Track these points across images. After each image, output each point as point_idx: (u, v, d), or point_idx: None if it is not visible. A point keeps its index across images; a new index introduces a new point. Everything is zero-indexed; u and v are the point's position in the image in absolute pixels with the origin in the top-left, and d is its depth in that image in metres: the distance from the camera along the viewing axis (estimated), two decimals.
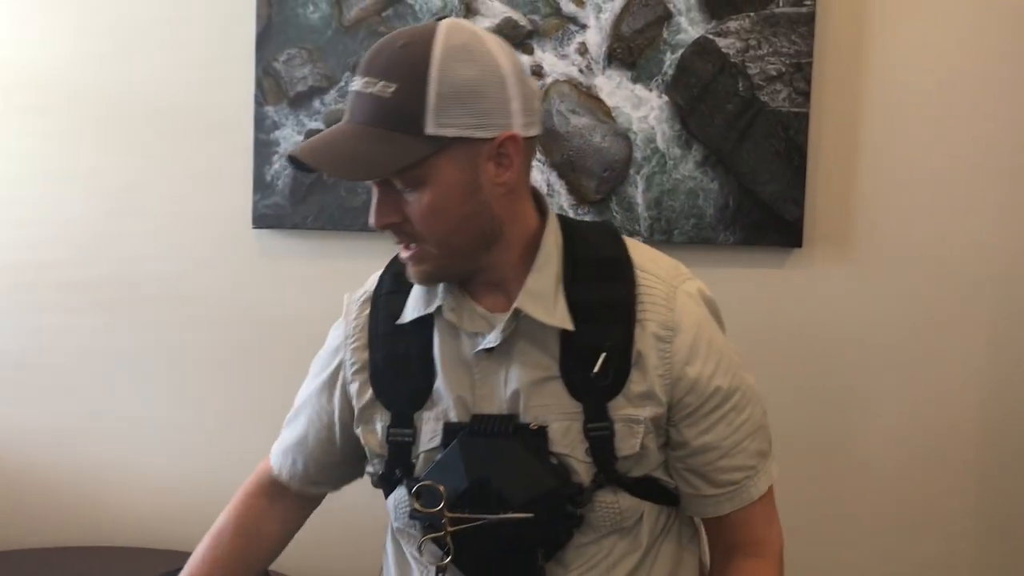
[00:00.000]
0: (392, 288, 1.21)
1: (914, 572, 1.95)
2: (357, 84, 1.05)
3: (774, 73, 1.84)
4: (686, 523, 1.25)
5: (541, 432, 1.12)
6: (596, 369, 1.11)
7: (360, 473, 1.31)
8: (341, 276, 1.94)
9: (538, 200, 1.18)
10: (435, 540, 1.14)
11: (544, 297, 1.12)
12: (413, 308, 1.17)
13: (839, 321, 1.90)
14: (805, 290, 1.90)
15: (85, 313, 1.99)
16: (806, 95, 1.84)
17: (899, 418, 1.90)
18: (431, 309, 1.15)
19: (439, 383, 1.15)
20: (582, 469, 1.12)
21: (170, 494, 2.01)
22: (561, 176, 1.88)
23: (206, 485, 2.00)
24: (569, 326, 1.11)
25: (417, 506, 1.11)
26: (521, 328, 1.12)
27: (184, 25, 1.93)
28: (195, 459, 2.01)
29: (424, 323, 1.16)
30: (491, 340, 1.13)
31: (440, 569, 1.14)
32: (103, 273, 1.98)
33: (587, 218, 1.86)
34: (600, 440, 1.12)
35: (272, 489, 1.34)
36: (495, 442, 1.12)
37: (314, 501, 1.37)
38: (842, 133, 1.88)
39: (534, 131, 1.10)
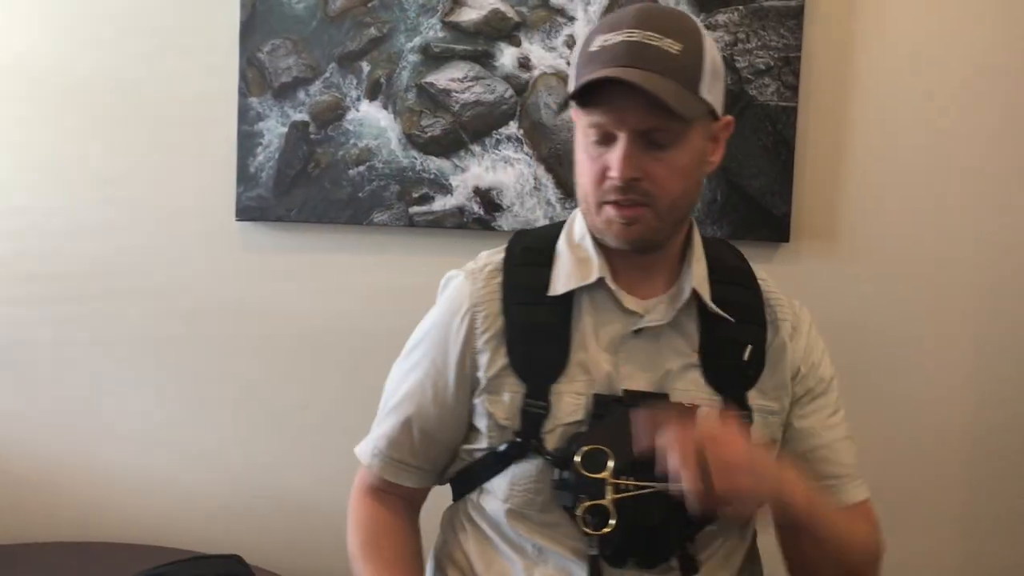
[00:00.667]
0: (525, 260, 1.21)
1: (901, 568, 1.94)
2: (635, 35, 1.07)
3: (763, 67, 1.83)
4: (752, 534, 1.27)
5: (694, 411, 1.12)
6: (746, 358, 1.17)
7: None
8: (325, 269, 1.94)
9: None
10: (586, 511, 1.10)
11: (705, 285, 1.19)
12: (566, 280, 1.18)
13: (826, 316, 1.85)
14: (792, 285, 1.84)
15: (65, 305, 1.96)
16: (794, 89, 1.83)
17: (886, 411, 1.90)
18: (590, 280, 1.17)
19: (578, 357, 1.16)
20: None
21: (149, 488, 1.99)
22: (548, 170, 1.86)
23: (186, 479, 1.98)
24: (728, 317, 1.17)
25: (582, 470, 1.09)
26: (676, 313, 1.17)
27: (167, 14, 1.91)
28: (176, 453, 1.98)
29: (565, 297, 1.18)
30: (656, 319, 1.16)
31: (593, 542, 1.11)
32: (84, 265, 1.95)
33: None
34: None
35: (380, 490, 1.30)
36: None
37: (417, 500, 1.31)
38: (830, 128, 1.87)
39: None
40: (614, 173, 1.09)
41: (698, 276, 1.19)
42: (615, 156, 1.10)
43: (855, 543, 1.19)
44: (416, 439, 1.24)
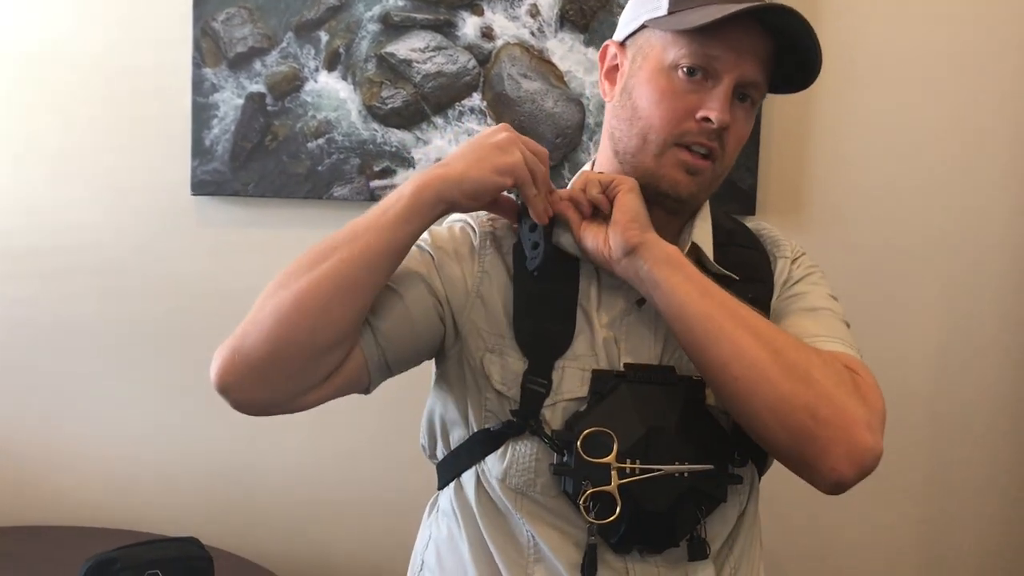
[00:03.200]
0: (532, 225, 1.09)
1: (861, 541, 1.96)
2: None
3: None
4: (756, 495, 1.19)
5: (701, 385, 1.07)
6: None
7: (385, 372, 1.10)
8: (283, 245, 1.88)
9: None
10: (588, 497, 1.02)
11: (708, 248, 1.13)
12: (568, 246, 1.09)
13: None
14: None
15: (17, 283, 1.91)
16: None
17: None
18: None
19: (583, 332, 1.09)
20: (728, 427, 1.08)
21: (105, 468, 1.94)
22: None
23: (143, 460, 1.94)
24: (734, 275, 1.11)
25: (584, 455, 1.02)
26: None
27: None
28: (132, 432, 1.94)
29: (570, 269, 1.10)
30: None
31: (592, 531, 1.04)
32: (35, 242, 1.90)
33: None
34: None
35: None
36: (664, 390, 1.06)
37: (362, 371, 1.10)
38: (796, 100, 1.85)
39: None
40: (715, 115, 1.03)
41: (702, 233, 1.13)
42: (716, 98, 1.03)
43: (814, 349, 1.02)
44: (404, 318, 1.08)
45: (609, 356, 1.08)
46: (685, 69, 1.05)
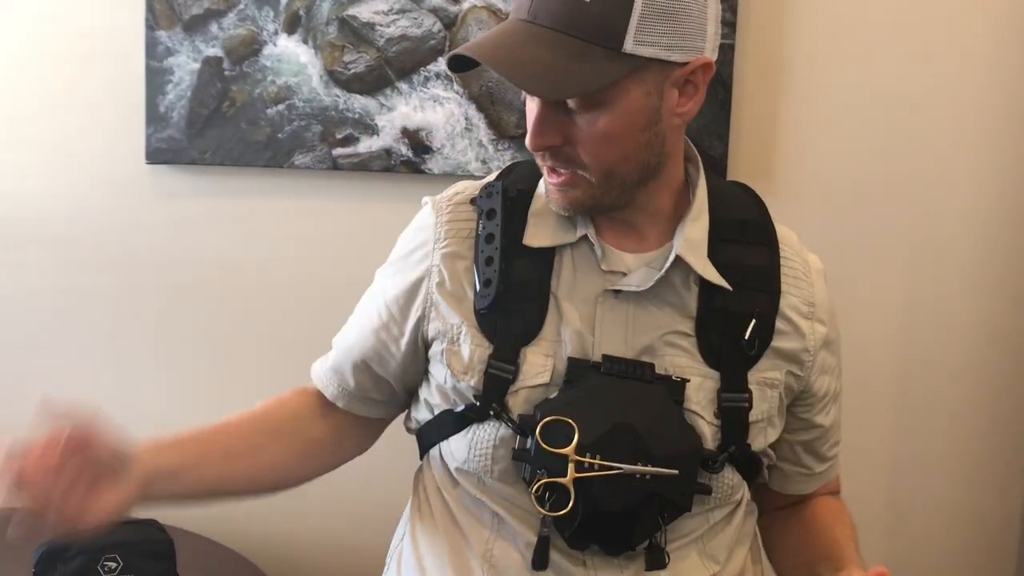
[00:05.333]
0: (517, 201, 1.08)
1: None
2: None
3: None
4: (752, 508, 1.18)
5: (681, 385, 1.03)
6: (747, 335, 1.05)
7: (401, 409, 1.20)
8: (243, 215, 1.85)
9: (685, 144, 1.09)
10: (543, 488, 1.00)
11: (699, 250, 1.05)
12: (547, 233, 1.06)
13: None
14: None
15: None
16: (732, 26, 1.78)
17: None
18: (572, 239, 1.06)
19: (553, 318, 1.05)
20: (709, 434, 1.04)
21: None
22: (480, 109, 1.78)
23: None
24: (725, 284, 1.05)
25: (543, 444, 0.99)
26: (664, 277, 1.05)
27: None
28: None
29: (547, 251, 1.06)
30: (635, 283, 1.04)
31: (545, 523, 1.02)
32: None
33: (507, 153, 1.77)
34: (734, 411, 1.05)
35: (315, 399, 1.20)
36: (638, 387, 1.02)
37: (365, 428, 1.22)
38: (767, 67, 1.83)
39: (715, 56, 1.02)
40: (527, 142, 0.99)
41: (692, 239, 1.05)
42: (529, 123, 0.99)
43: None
44: (366, 371, 1.15)
45: (583, 344, 1.04)
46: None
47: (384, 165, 1.79)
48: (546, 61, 0.93)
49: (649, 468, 0.99)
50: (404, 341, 1.11)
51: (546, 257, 1.06)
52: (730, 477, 1.07)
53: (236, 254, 1.85)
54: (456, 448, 1.08)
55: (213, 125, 1.78)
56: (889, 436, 1.93)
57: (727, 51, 1.78)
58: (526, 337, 1.05)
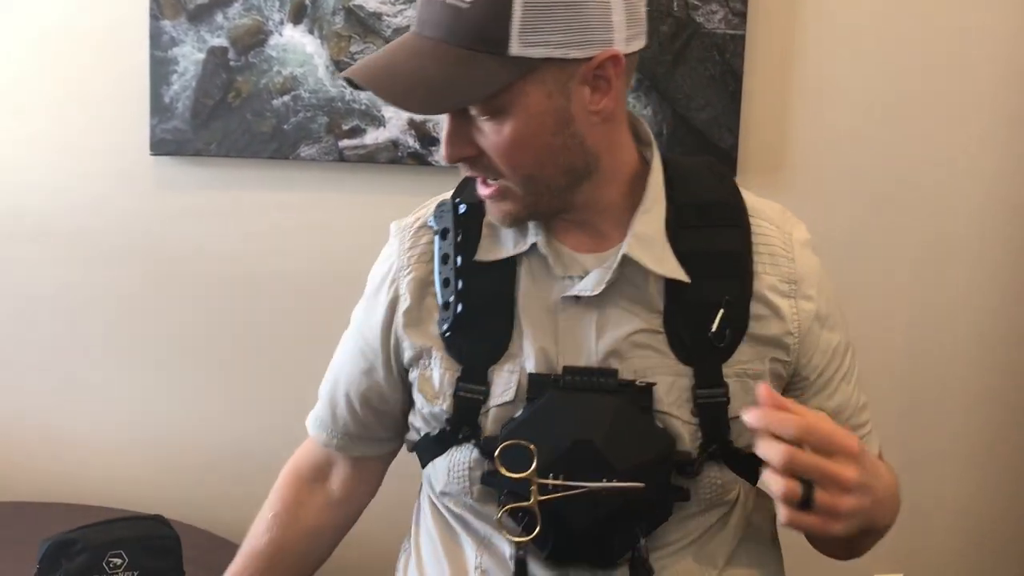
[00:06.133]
0: (470, 216, 1.04)
1: None
2: None
3: None
4: (765, 505, 1.12)
5: (647, 390, 0.99)
6: (714, 328, 0.99)
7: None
8: (247, 208, 1.83)
9: (637, 129, 1.05)
10: (515, 511, 0.98)
11: (653, 243, 0.99)
12: (500, 244, 1.03)
13: None
14: None
15: None
16: (743, 16, 1.76)
17: None
18: (523, 248, 1.02)
19: (518, 332, 1.02)
20: (687, 433, 1.00)
21: (61, 441, 1.88)
22: None
23: (102, 432, 1.88)
24: (683, 277, 0.99)
25: (502, 470, 0.96)
26: (622, 275, 1.00)
27: None
28: (89, 404, 1.87)
29: (506, 264, 1.03)
30: (587, 287, 1.00)
31: (519, 546, 0.99)
32: None
33: None
34: (711, 407, 1.00)
35: (312, 473, 1.21)
36: (597, 398, 0.98)
37: (373, 468, 1.21)
38: (779, 58, 1.81)
39: (638, 44, 0.95)
40: (441, 153, 0.96)
41: (643, 233, 0.99)
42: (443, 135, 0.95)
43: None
44: (356, 409, 1.14)
45: (547, 357, 1.01)
46: None
47: (391, 157, 1.77)
48: (426, 73, 0.89)
49: (613, 484, 0.95)
50: (394, 377, 1.10)
51: (506, 270, 1.03)
52: (716, 476, 1.02)
53: (241, 247, 1.83)
54: (438, 471, 1.07)
55: (218, 116, 1.76)
56: (897, 433, 1.91)
57: (738, 42, 1.76)
58: (493, 355, 1.02)
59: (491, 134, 0.92)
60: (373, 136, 1.76)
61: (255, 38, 1.74)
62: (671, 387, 1.00)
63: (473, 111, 0.91)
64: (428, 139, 1.77)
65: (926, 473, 1.93)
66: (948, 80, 1.83)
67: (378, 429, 1.15)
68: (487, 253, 1.03)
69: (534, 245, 1.01)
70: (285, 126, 1.76)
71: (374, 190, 1.79)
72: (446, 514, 1.10)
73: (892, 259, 1.88)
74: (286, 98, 1.76)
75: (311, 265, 1.83)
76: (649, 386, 0.99)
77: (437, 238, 1.05)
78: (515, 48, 0.88)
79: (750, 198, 1.05)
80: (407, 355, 1.07)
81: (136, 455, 1.88)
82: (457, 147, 0.94)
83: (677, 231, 1.00)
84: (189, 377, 1.88)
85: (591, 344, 1.01)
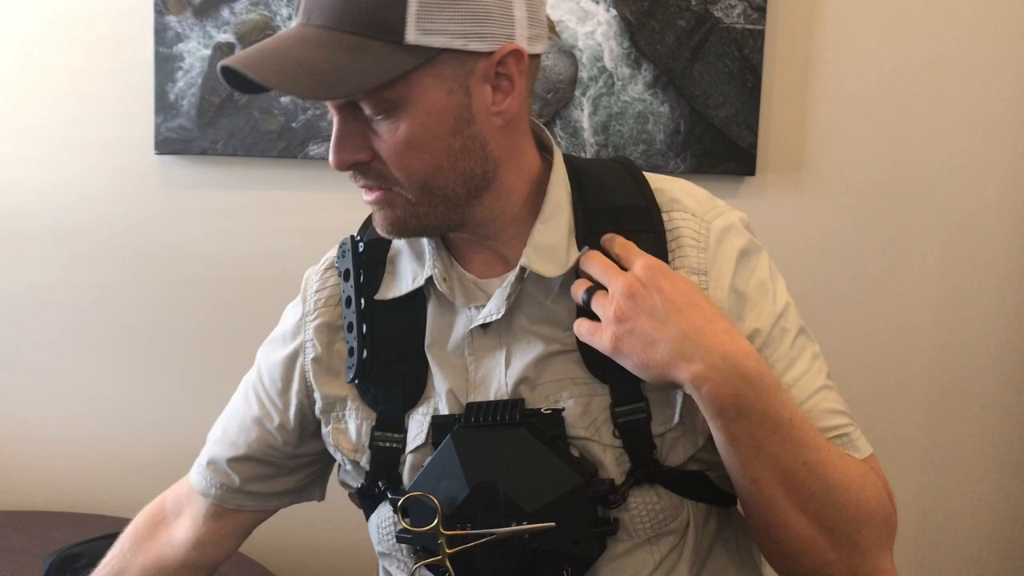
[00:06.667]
0: (372, 253, 0.99)
1: None
2: None
3: None
4: (741, 529, 1.02)
5: (556, 416, 0.91)
6: None
7: (305, 493, 1.12)
8: (255, 208, 1.80)
9: (540, 136, 0.98)
10: (431, 567, 0.92)
11: (555, 253, 0.92)
12: (400, 280, 0.97)
13: (792, 251, 1.82)
14: (758, 219, 1.75)
15: None
16: (762, 11, 1.72)
17: (851, 346, 1.84)
18: (419, 283, 0.95)
19: (432, 373, 0.96)
20: (609, 458, 0.91)
21: (63, 448, 1.84)
22: None
23: (104, 438, 1.84)
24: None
25: (405, 524, 0.90)
26: (526, 294, 0.94)
27: None
28: (92, 409, 1.83)
29: (413, 300, 0.96)
30: (491, 311, 0.93)
31: None
32: None
33: None
34: (633, 425, 0.91)
35: (173, 506, 1.12)
36: (499, 434, 0.91)
37: (233, 526, 1.11)
38: (799, 53, 1.77)
39: (540, 47, 0.90)
40: (330, 160, 0.87)
41: (544, 243, 0.92)
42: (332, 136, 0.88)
43: (863, 502, 0.90)
44: (253, 463, 1.07)
45: (456, 397, 0.95)
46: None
47: None
48: (316, 60, 0.81)
49: (523, 527, 0.88)
50: (288, 430, 1.04)
51: (412, 308, 0.97)
52: (653, 501, 0.92)
53: (248, 248, 1.80)
54: (371, 530, 1.01)
55: (224, 114, 1.73)
56: (922, 429, 1.88)
57: (757, 37, 1.72)
58: (407, 401, 0.96)
59: (385, 135, 0.85)
60: None
61: (262, 34, 1.71)
62: (586, 409, 0.92)
63: (368, 110, 0.85)
64: None
65: (950, 470, 1.89)
66: (974, 75, 1.79)
67: (258, 483, 1.08)
68: (387, 291, 0.97)
69: (431, 278, 0.95)
70: (293, 124, 1.72)
71: None
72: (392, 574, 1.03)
73: (916, 259, 1.84)
74: None
75: None
76: (557, 412, 0.91)
77: (343, 280, 0.99)
78: (411, 35, 0.82)
79: (673, 191, 0.97)
80: (318, 406, 1.01)
81: (136, 464, 1.84)
82: (348, 151, 0.86)
83: (589, 239, 0.93)
84: (192, 380, 1.84)
85: (500, 376, 0.94)
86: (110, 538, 1.10)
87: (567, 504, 0.89)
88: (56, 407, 1.84)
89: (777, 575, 0.96)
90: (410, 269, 0.97)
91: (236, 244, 1.80)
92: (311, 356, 1.01)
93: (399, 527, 0.93)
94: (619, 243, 0.91)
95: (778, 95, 1.78)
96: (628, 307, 0.86)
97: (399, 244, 0.99)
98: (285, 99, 1.71)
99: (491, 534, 0.88)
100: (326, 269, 1.04)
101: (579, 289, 0.90)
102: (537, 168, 0.96)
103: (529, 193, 0.95)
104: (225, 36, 1.70)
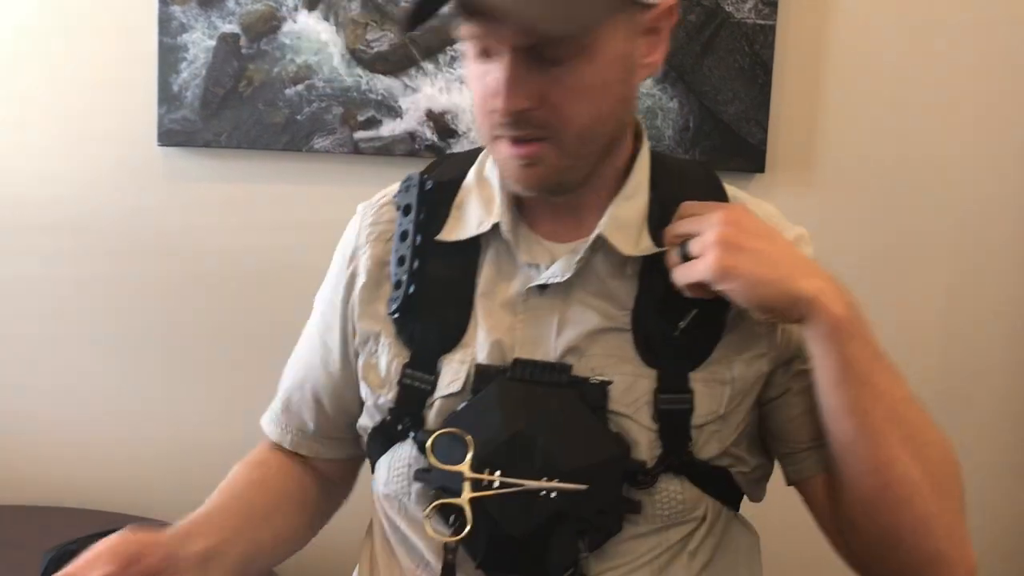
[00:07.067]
0: (428, 194, 0.99)
1: None
2: None
3: None
4: (745, 533, 1.03)
5: (602, 388, 0.91)
6: (683, 325, 0.92)
7: None
8: (259, 201, 1.78)
9: (635, 121, 0.99)
10: (443, 510, 0.90)
11: (629, 232, 0.94)
12: (465, 225, 0.97)
13: None
14: None
15: None
16: (773, 6, 1.70)
17: None
18: (484, 228, 0.96)
19: (474, 323, 0.95)
20: (644, 440, 0.91)
21: (59, 443, 1.82)
22: None
23: (100, 434, 1.82)
24: (659, 249, 0.93)
25: (433, 459, 0.89)
26: (592, 266, 0.94)
27: None
28: (89, 404, 1.82)
29: (470, 247, 0.97)
30: (555, 272, 0.93)
31: (449, 548, 0.90)
32: None
33: None
34: (673, 413, 0.91)
35: (284, 456, 1.12)
36: (544, 392, 0.90)
37: (342, 470, 1.13)
38: (810, 49, 1.75)
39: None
40: (497, 104, 0.86)
41: (622, 217, 0.94)
42: (498, 80, 0.85)
43: (950, 451, 0.91)
44: (313, 405, 1.07)
45: (501, 350, 0.94)
46: (473, 48, 0.89)
47: (408, 149, 1.71)
48: None
49: (554, 484, 0.87)
50: (350, 367, 1.04)
51: (469, 254, 0.97)
52: (676, 492, 0.92)
53: (251, 241, 1.78)
54: (381, 469, 1.00)
55: (229, 106, 1.71)
56: (931, 407, 1.86)
57: (768, 32, 1.70)
58: (445, 344, 0.96)
59: (563, 79, 0.85)
60: (390, 128, 1.70)
61: (268, 25, 1.69)
62: (630, 387, 0.92)
63: (554, 52, 0.84)
64: (446, 131, 1.71)
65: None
66: (986, 71, 1.77)
67: (335, 430, 1.09)
68: (451, 232, 0.98)
69: (497, 227, 0.95)
70: (298, 117, 1.71)
71: (390, 183, 1.72)
72: (388, 527, 1.02)
73: (927, 260, 1.82)
74: (299, 87, 1.70)
75: (324, 261, 1.75)
76: (604, 384, 0.91)
77: (401, 214, 1.00)
78: None
79: (746, 199, 1.01)
80: (357, 339, 1.02)
81: (133, 459, 1.83)
82: (521, 96, 0.85)
83: (658, 226, 0.94)
84: (194, 373, 1.82)
85: (550, 340, 0.94)
86: (107, 533, 1.08)
87: (602, 472, 0.89)
88: (56, 401, 1.82)
89: (872, 542, 0.93)
90: (476, 216, 0.97)
91: (239, 237, 1.78)
92: (359, 286, 1.01)
93: (421, 465, 0.93)
94: (699, 204, 0.94)
95: (789, 92, 1.76)
96: (732, 231, 0.88)
97: (469, 190, 1.00)
98: (290, 91, 1.69)
99: (519, 484, 0.87)
100: (382, 205, 1.04)
101: (673, 236, 0.92)
102: (630, 147, 0.98)
103: (621, 169, 0.97)
104: (230, 27, 1.68)
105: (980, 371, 1.85)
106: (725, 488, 0.97)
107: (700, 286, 0.90)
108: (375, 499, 1.04)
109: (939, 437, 0.92)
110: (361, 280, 1.01)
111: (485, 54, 0.87)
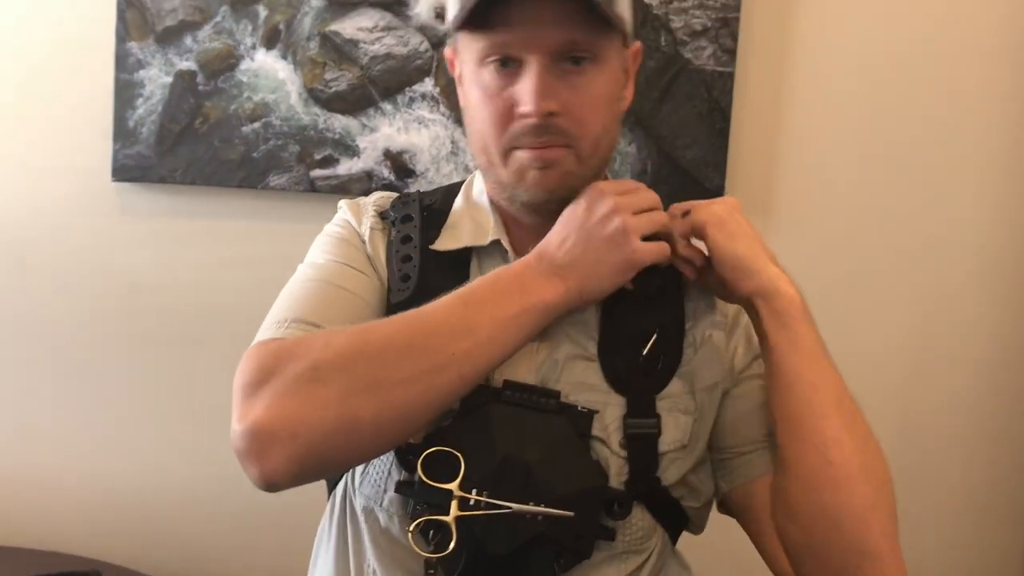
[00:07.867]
0: (429, 212, 1.05)
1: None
2: None
3: (699, 28, 1.70)
4: (681, 571, 1.06)
5: (589, 416, 0.94)
6: (645, 351, 0.97)
7: None
8: (214, 237, 1.76)
9: None
10: (427, 525, 0.90)
11: None
12: (455, 240, 1.01)
13: None
14: None
15: None
16: (732, 53, 1.71)
17: None
18: (484, 241, 1.00)
19: None
20: (614, 467, 0.95)
21: (15, 484, 1.78)
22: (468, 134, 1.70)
23: (39, 471, 1.79)
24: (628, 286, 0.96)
25: (422, 476, 0.89)
26: None
27: None
28: (29, 441, 1.78)
29: (461, 261, 1.01)
30: None
31: (431, 564, 0.91)
32: None
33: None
34: (641, 438, 0.95)
35: None
36: (536, 417, 0.93)
37: None
38: (768, 96, 1.76)
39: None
40: (528, 108, 0.91)
41: None
42: (527, 87, 0.91)
43: (870, 454, 0.93)
44: (341, 297, 1.01)
45: None
46: (491, 64, 0.93)
47: (364, 188, 1.70)
48: None
49: (541, 508, 0.89)
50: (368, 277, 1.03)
51: (460, 270, 1.00)
52: (640, 520, 0.96)
53: (206, 277, 1.76)
54: (357, 479, 1.00)
55: (184, 142, 1.69)
56: (890, 458, 1.85)
57: (727, 79, 1.71)
58: None
59: (581, 87, 0.92)
60: (347, 166, 1.70)
61: (225, 62, 1.68)
62: (601, 415, 0.96)
63: (580, 51, 0.92)
64: (404, 171, 1.70)
65: (922, 485, 1.86)
66: (941, 121, 1.79)
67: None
68: (443, 244, 1.02)
69: (496, 241, 1.00)
70: (254, 154, 1.69)
71: None
72: (351, 539, 1.00)
73: (886, 305, 1.82)
74: (256, 125, 1.69)
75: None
76: (591, 413, 0.94)
77: (399, 223, 1.03)
78: (617, 6, 0.94)
79: None
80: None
81: (70, 496, 1.79)
82: (551, 99, 0.91)
83: None
84: (149, 408, 1.79)
85: (535, 360, 0.97)
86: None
87: (587, 499, 0.92)
88: (5, 440, 1.78)
89: (811, 527, 0.93)
90: (469, 232, 1.02)
91: (194, 273, 1.76)
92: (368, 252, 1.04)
93: (403, 480, 0.93)
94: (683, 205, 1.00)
95: (747, 138, 1.76)
96: (730, 208, 0.96)
97: (460, 214, 1.04)
98: (246, 128, 1.68)
99: (508, 507, 0.88)
100: (375, 213, 1.06)
101: (676, 208, 0.99)
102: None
103: None
104: (187, 64, 1.67)
105: (942, 396, 1.85)
106: (675, 520, 1.01)
107: (691, 250, 0.97)
108: (336, 494, 1.04)
109: (876, 441, 0.95)
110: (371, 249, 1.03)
111: (506, 70, 0.93)
